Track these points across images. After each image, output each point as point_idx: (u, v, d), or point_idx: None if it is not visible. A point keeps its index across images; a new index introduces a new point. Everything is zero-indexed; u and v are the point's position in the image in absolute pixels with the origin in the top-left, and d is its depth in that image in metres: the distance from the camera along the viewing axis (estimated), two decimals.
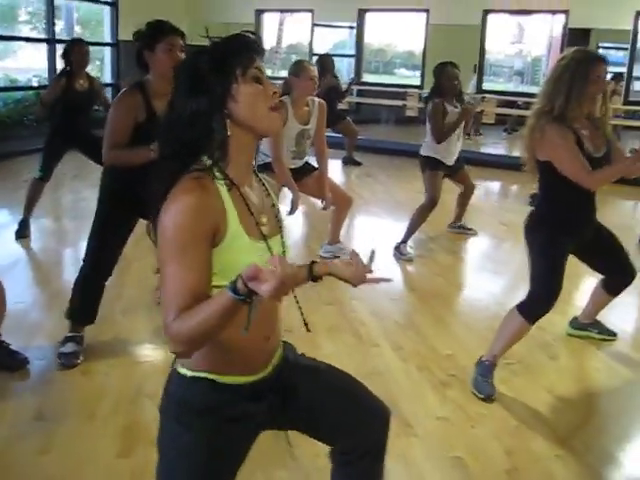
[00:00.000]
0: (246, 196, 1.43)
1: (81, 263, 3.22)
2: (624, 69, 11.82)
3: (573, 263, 3.12)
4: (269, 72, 13.16)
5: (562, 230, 2.93)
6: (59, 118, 5.07)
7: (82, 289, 3.21)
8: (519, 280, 4.80)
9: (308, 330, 1.56)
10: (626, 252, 3.22)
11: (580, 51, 2.84)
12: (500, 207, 7.03)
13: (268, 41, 12.44)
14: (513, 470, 2.49)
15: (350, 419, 1.68)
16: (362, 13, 11.03)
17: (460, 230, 5.76)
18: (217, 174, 1.38)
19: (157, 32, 2.93)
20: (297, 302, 1.56)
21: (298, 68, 4.25)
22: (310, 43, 11.45)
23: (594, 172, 2.78)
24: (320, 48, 11.39)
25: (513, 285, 4.73)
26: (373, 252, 1.42)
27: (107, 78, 10.37)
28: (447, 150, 5.06)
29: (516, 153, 9.83)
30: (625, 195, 7.42)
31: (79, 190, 6.76)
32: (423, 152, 5.16)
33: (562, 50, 11.02)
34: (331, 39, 13.64)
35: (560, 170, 2.82)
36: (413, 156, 5.62)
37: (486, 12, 10.14)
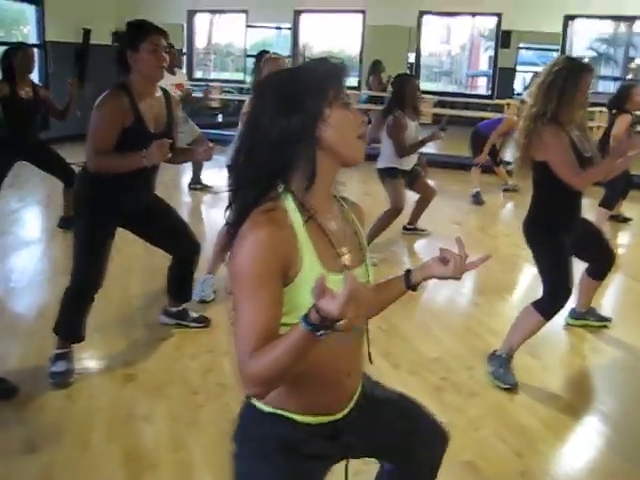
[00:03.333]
0: (324, 226, 1.35)
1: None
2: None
3: None
4: (199, 74, 13.04)
5: (560, 228, 3.03)
6: (3, 129, 4.78)
7: (74, 304, 3.05)
8: (482, 279, 4.93)
9: (371, 362, 1.51)
10: (605, 238, 3.43)
11: (572, 59, 2.97)
12: (448, 206, 7.12)
13: (199, 42, 12.23)
14: (527, 471, 2.52)
15: (416, 447, 1.67)
16: (297, 14, 10.99)
17: (415, 232, 5.82)
18: (292, 203, 1.31)
19: (140, 32, 2.85)
20: (367, 331, 1.49)
21: (270, 60, 4.14)
22: (245, 44, 11.32)
23: (581, 172, 2.89)
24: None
25: (479, 283, 4.82)
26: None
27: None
28: (406, 158, 5.09)
29: (453, 152, 10.08)
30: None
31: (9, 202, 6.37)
32: (381, 165, 5.14)
33: (496, 51, 11.41)
34: (259, 39, 13.55)
35: (553, 169, 2.91)
36: None
37: (422, 13, 10.30)
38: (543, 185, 3.04)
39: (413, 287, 1.53)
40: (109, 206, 2.97)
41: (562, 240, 3.02)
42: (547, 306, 3.05)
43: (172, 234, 3.32)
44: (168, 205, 3.43)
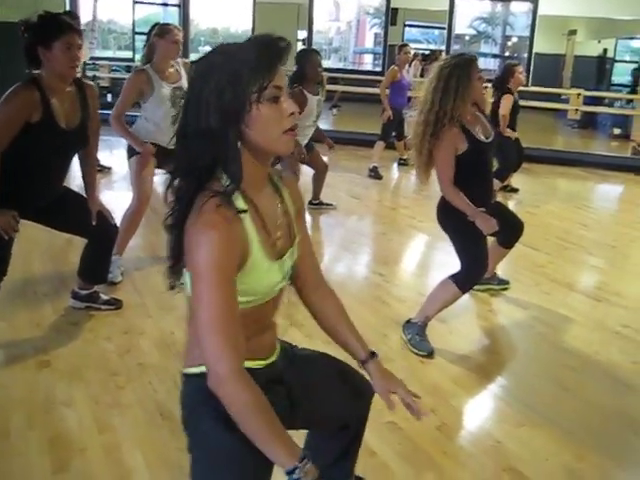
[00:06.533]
0: (264, 215, 1.41)
1: None
2: (434, 47, 12.74)
3: None
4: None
5: None
6: None
7: None
8: (383, 250, 5.12)
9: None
10: (510, 210, 3.75)
11: (458, 56, 3.16)
12: (345, 181, 7.28)
13: (83, 19, 11.67)
14: (443, 425, 2.69)
15: (343, 403, 1.78)
16: None
17: (321, 207, 5.93)
18: (236, 197, 1.34)
19: (55, 29, 2.76)
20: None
21: (163, 30, 4.08)
22: (133, 22, 10.94)
23: (453, 189, 3.14)
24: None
25: (381, 255, 5.00)
26: None
27: None
28: (301, 133, 5.14)
29: (347, 128, 10.26)
30: None
31: None
32: None
33: (386, 28, 11.64)
34: (145, 16, 13.12)
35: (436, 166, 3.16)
36: None
37: None
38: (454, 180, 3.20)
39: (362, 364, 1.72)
40: (11, 202, 2.85)
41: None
42: (465, 280, 3.23)
43: (85, 219, 3.23)
44: (73, 190, 3.35)
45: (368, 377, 1.72)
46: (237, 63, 1.29)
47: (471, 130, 3.17)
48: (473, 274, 3.25)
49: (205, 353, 1.30)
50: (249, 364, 1.45)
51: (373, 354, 1.71)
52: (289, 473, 1.26)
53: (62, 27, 2.79)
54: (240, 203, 1.35)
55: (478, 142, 3.18)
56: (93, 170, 3.43)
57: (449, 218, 3.26)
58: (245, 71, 1.28)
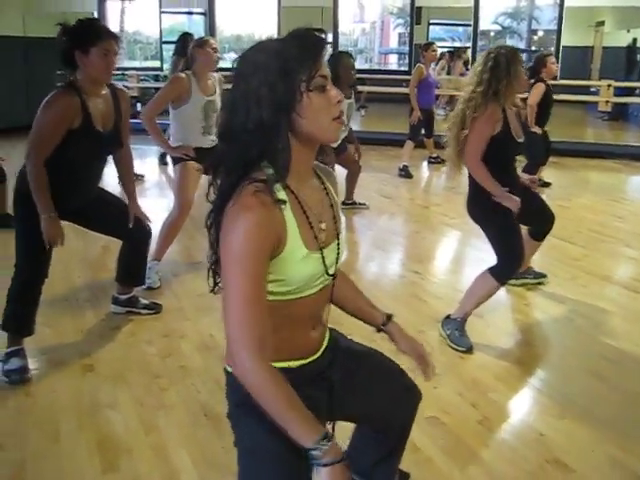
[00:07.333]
0: (306, 206, 1.42)
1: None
2: (459, 44, 12.67)
3: None
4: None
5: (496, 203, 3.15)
6: None
7: (21, 296, 2.99)
8: (418, 248, 5.13)
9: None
10: (545, 202, 3.68)
11: (502, 47, 3.20)
12: (376, 181, 7.29)
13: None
14: (484, 420, 2.69)
15: (387, 403, 1.78)
16: None
17: (354, 206, 5.97)
18: (277, 186, 1.36)
19: (93, 35, 2.80)
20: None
21: (201, 41, 4.16)
22: (160, 30, 11.10)
23: (480, 162, 3.12)
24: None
25: (416, 253, 5.00)
26: None
27: None
28: None
29: (376, 129, 10.28)
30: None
31: None
32: None
33: (412, 28, 11.62)
34: (171, 25, 13.29)
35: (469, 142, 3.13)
36: None
37: None
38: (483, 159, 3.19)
39: (379, 330, 1.77)
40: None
41: (505, 210, 3.15)
42: (502, 272, 3.22)
43: (121, 221, 3.29)
44: (111, 193, 3.41)
45: (389, 338, 1.77)
46: (283, 56, 1.32)
47: (508, 118, 3.16)
48: (510, 265, 3.24)
49: (229, 337, 1.32)
50: (291, 364, 1.48)
51: (390, 317, 1.76)
52: (310, 450, 1.28)
53: (100, 33, 2.84)
54: (281, 195, 1.36)
55: (510, 132, 3.16)
56: (130, 172, 3.47)
57: (479, 207, 3.25)
58: (293, 63, 1.31)
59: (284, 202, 1.36)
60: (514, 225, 3.21)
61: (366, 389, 1.71)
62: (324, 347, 1.60)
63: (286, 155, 1.35)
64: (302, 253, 1.39)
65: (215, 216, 1.39)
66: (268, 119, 1.32)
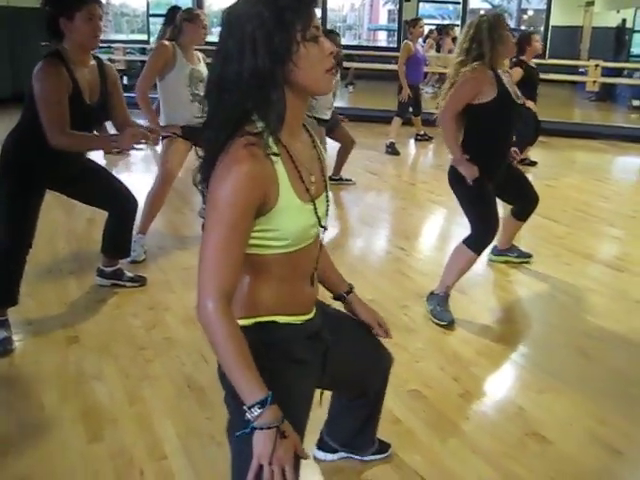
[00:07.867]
0: (297, 160, 1.42)
1: None
2: (448, 22, 12.58)
3: None
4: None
5: (484, 177, 3.18)
6: None
7: (4, 267, 2.97)
8: (405, 224, 5.14)
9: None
10: (528, 181, 3.69)
11: (491, 13, 3.22)
12: (363, 158, 7.27)
13: None
14: (466, 393, 2.72)
15: (368, 366, 1.85)
16: None
17: (341, 182, 5.96)
18: (269, 137, 1.35)
19: (76, 0, 2.76)
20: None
21: (192, 15, 4.11)
22: (147, 3, 10.95)
23: (452, 120, 3.15)
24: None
25: (402, 229, 5.02)
26: None
27: None
28: (319, 107, 5.16)
29: (363, 105, 10.23)
30: None
31: None
32: None
33: (401, 5, 11.52)
34: None
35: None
36: None
37: None
38: (469, 131, 3.21)
39: (338, 297, 1.84)
40: (40, 173, 2.91)
41: (486, 185, 3.20)
42: (477, 242, 3.25)
43: (107, 192, 3.27)
44: (99, 164, 3.39)
45: (348, 307, 1.84)
46: (279, 5, 1.31)
47: (503, 80, 3.16)
48: (484, 235, 3.25)
49: (198, 284, 1.34)
50: (292, 319, 1.51)
51: (352, 287, 1.84)
52: (249, 408, 1.31)
53: None
54: (273, 147, 1.36)
55: (508, 94, 3.16)
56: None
57: (453, 175, 3.26)
58: (289, 12, 1.31)
59: (277, 154, 1.36)
60: (488, 194, 3.23)
61: (348, 353, 1.75)
62: (315, 308, 1.63)
63: (281, 107, 1.35)
64: (296, 204, 1.40)
65: (205, 171, 1.39)
66: (264, 68, 1.31)
